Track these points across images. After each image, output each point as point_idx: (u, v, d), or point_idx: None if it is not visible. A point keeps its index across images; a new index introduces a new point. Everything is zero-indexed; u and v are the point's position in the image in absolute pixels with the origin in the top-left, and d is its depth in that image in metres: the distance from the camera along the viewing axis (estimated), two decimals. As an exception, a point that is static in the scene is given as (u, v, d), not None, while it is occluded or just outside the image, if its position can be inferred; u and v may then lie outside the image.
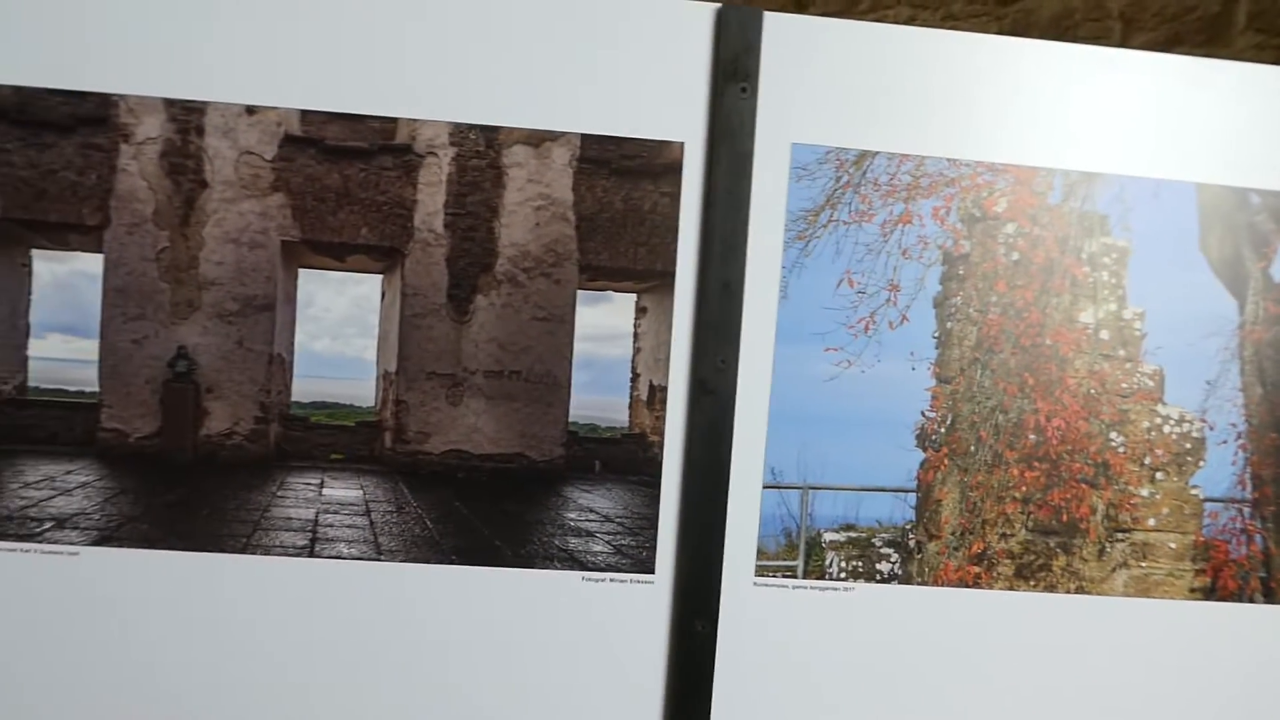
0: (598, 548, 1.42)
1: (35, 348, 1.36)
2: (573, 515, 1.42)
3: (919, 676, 1.48)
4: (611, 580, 1.43)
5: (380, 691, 1.41)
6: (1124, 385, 1.47)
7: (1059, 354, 1.46)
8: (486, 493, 1.41)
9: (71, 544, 1.36)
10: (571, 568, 1.42)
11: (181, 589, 1.38)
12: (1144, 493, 1.48)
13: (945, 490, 1.46)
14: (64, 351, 1.36)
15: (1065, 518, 1.47)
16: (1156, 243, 1.45)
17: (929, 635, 1.47)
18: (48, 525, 1.36)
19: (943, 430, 1.45)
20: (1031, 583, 1.48)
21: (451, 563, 1.40)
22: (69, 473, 1.37)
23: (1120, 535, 1.48)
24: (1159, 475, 1.48)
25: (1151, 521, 1.48)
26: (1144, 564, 1.48)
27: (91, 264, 1.35)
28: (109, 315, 1.36)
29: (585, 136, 1.39)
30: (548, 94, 1.39)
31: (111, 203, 1.35)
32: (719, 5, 1.40)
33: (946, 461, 1.46)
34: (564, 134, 1.39)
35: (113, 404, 1.37)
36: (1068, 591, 1.48)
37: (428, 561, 1.40)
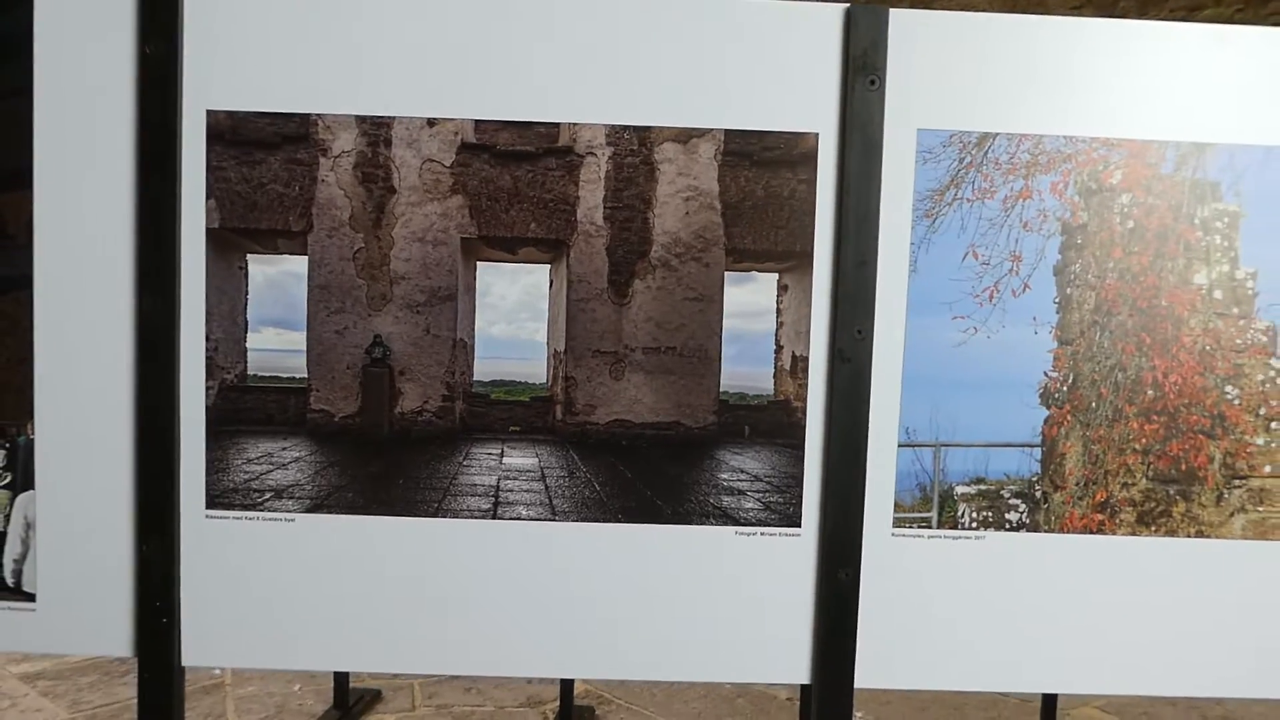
0: (749, 504, 1.57)
1: (252, 340, 1.55)
2: (725, 476, 1.57)
3: (1046, 618, 1.60)
4: (761, 534, 1.57)
5: (555, 637, 1.58)
6: (1238, 341, 1.56)
7: (1174, 314, 1.56)
8: (647, 457, 1.56)
9: (288, 511, 1.55)
10: (725, 523, 1.56)
11: (383, 549, 1.56)
12: (1259, 441, 1.57)
13: (1069, 444, 1.57)
14: (277, 343, 1.54)
15: (1184, 467, 1.57)
16: (1267, 206, 1.55)
17: (1056, 579, 1.59)
18: (268, 495, 1.55)
19: (1065, 388, 1.57)
20: (1152, 528, 1.58)
21: (618, 521, 1.56)
22: (284, 449, 1.56)
23: (1237, 482, 1.58)
24: (1274, 424, 1.57)
25: (1268, 468, 1.58)
26: (1261, 508, 1.58)
27: (298, 265, 1.54)
28: (314, 309, 1.54)
29: (728, 131, 1.53)
30: (693, 94, 1.53)
31: (313, 210, 1.53)
32: (848, 5, 1.52)
33: (1069, 417, 1.57)
34: (709, 130, 1.53)
35: (319, 388, 1.55)
36: (1187, 536, 1.58)
37: (597, 520, 1.56)
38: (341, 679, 3.23)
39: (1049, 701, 2.38)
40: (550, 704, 3.40)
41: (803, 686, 2.63)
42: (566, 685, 3.05)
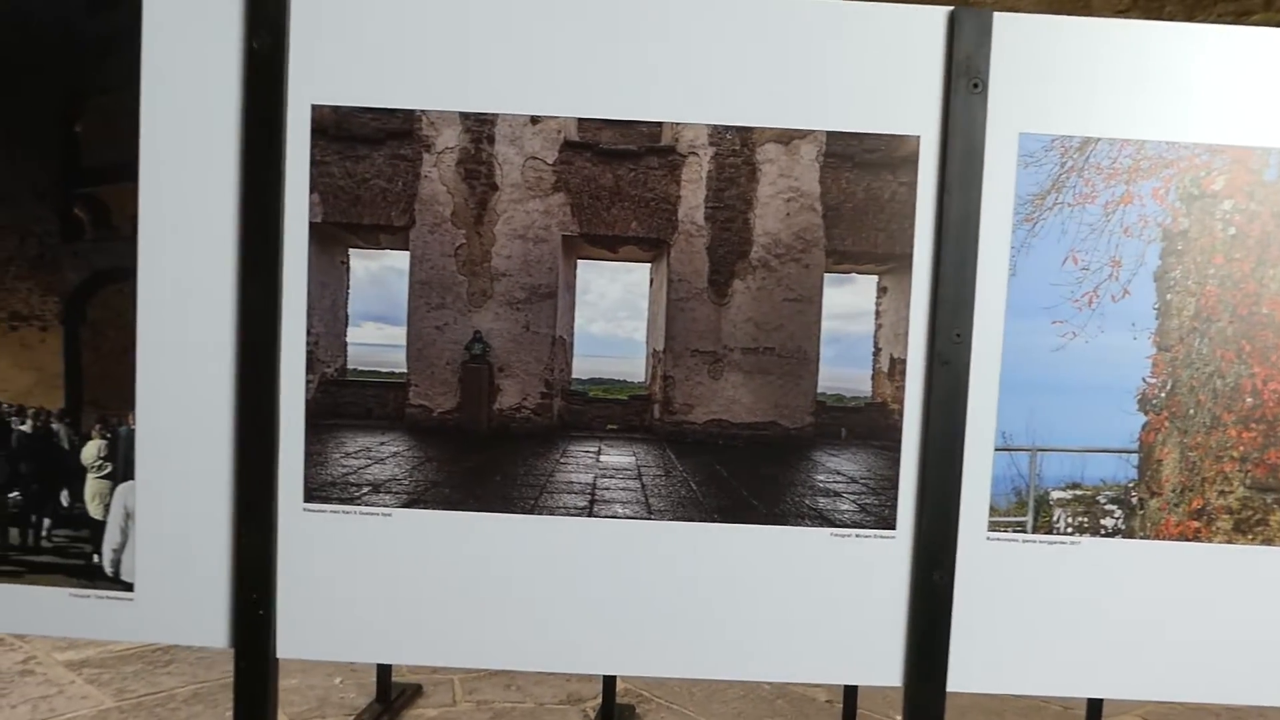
0: (844, 506, 1.57)
1: (353, 335, 1.55)
2: (821, 477, 1.57)
3: (1140, 625, 1.60)
4: (856, 536, 1.57)
5: (649, 636, 1.58)
6: (1340, 350, 1.56)
7: (1275, 321, 1.56)
8: (744, 457, 1.56)
9: (385, 506, 1.56)
10: (820, 524, 1.57)
11: (479, 545, 1.57)
12: (1360, 451, 1.57)
13: (1166, 450, 1.57)
14: (377, 338, 1.55)
15: (1282, 475, 1.57)
16: (1373, 215, 1.54)
17: (1151, 586, 1.59)
18: (365, 490, 1.56)
19: (1163, 395, 1.56)
20: (1249, 536, 1.58)
21: (713, 520, 1.56)
22: (382, 444, 1.57)
23: (1335, 491, 1.57)
24: (1375, 434, 1.57)
25: (1367, 478, 1.57)
26: (1359, 518, 1.58)
27: (399, 260, 1.54)
28: (415, 305, 1.55)
29: (830, 133, 1.53)
30: (796, 96, 1.53)
31: (416, 206, 1.54)
32: (951, 8, 1.52)
33: (1167, 424, 1.57)
34: (811, 131, 1.53)
35: (419, 383, 1.56)
36: (1283, 544, 1.58)
37: (692, 520, 1.57)
38: (384, 672, 3.25)
39: (1094, 706, 2.38)
40: (590, 701, 3.40)
41: (845, 689, 2.63)
42: (609, 683, 3.06)
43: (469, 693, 3.49)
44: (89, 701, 3.41)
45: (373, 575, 1.58)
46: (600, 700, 3.26)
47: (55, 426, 1.57)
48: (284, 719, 3.08)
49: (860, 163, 1.54)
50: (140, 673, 3.65)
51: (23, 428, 1.57)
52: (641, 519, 1.56)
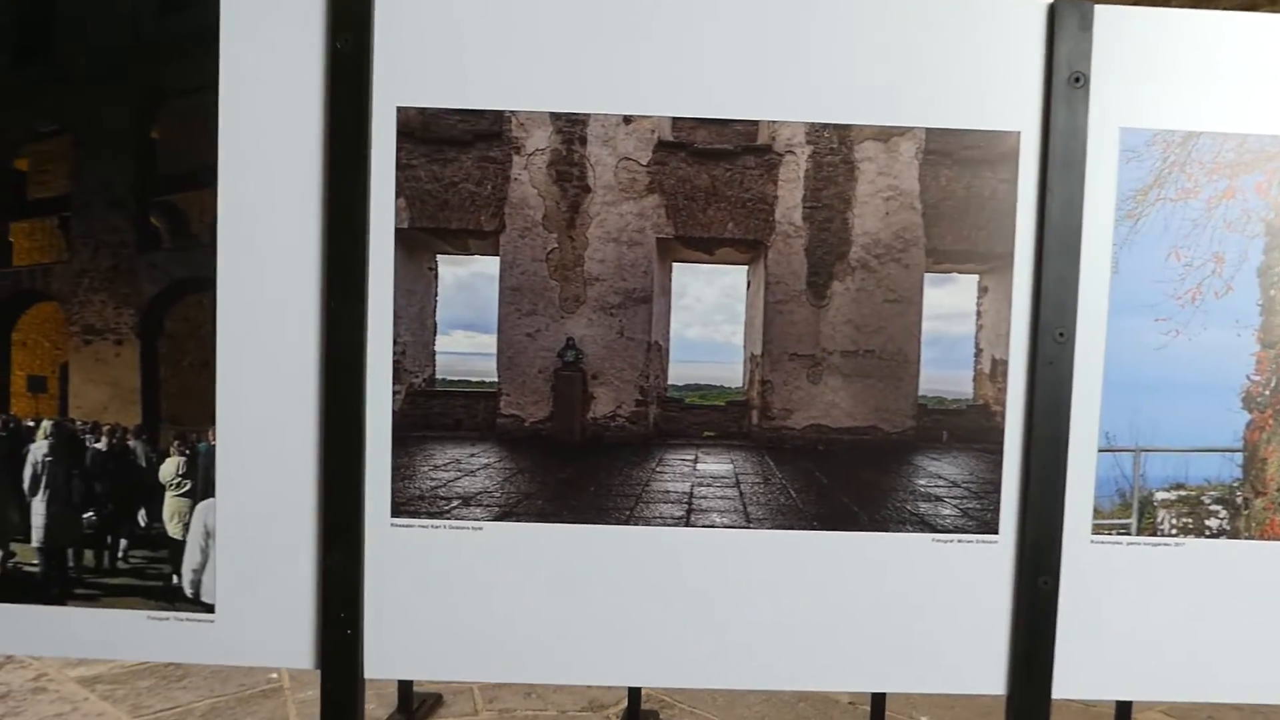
0: (946, 511, 1.53)
1: (441, 343, 1.51)
2: (923, 482, 1.53)
3: (1246, 627, 1.57)
4: (959, 541, 1.54)
5: (750, 646, 1.54)
6: None
7: (1380, 317, 1.53)
8: (844, 463, 1.52)
9: (475, 519, 1.51)
10: (922, 530, 1.53)
11: (573, 558, 1.52)
12: None
13: (1271, 449, 1.54)
14: (466, 346, 1.50)
15: (1389, 472, 1.55)
16: None
17: (1258, 587, 1.56)
18: (455, 503, 1.51)
19: (1267, 392, 1.54)
20: (1356, 535, 1.56)
21: (813, 528, 1.53)
22: (472, 455, 1.52)
23: None
24: None
25: None
26: None
27: (489, 266, 1.50)
28: (505, 312, 1.50)
29: (929, 130, 1.50)
30: (894, 92, 1.50)
31: (505, 210, 1.49)
32: (1051, 1, 1.49)
33: (1271, 422, 1.54)
34: (910, 129, 1.50)
35: (510, 392, 1.51)
36: (1389, 542, 1.56)
37: (792, 528, 1.53)
38: (405, 682, 3.20)
39: (1123, 705, 2.34)
40: (613, 708, 3.37)
41: (873, 696, 2.60)
42: (633, 689, 3.02)
43: (489, 701, 3.44)
44: (105, 718, 3.35)
45: (463, 591, 1.53)
46: (624, 705, 3.22)
47: (132, 444, 1.51)
48: (301, 730, 3.03)
49: (960, 160, 1.50)
50: (155, 688, 3.59)
51: (98, 445, 1.52)
52: (740, 528, 1.52)
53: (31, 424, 1.51)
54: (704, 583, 1.53)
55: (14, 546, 1.53)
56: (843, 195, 1.50)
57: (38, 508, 1.52)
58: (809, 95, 1.49)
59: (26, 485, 1.52)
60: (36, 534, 1.53)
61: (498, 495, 1.51)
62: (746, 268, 1.51)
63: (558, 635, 1.53)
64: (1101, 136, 1.50)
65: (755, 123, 1.49)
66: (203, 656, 1.54)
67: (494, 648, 1.54)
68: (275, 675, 3.62)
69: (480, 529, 1.51)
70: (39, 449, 1.51)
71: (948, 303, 1.52)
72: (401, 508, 1.51)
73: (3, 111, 1.47)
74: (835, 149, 1.49)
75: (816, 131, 1.49)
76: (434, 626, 1.54)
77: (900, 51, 1.49)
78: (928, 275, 1.51)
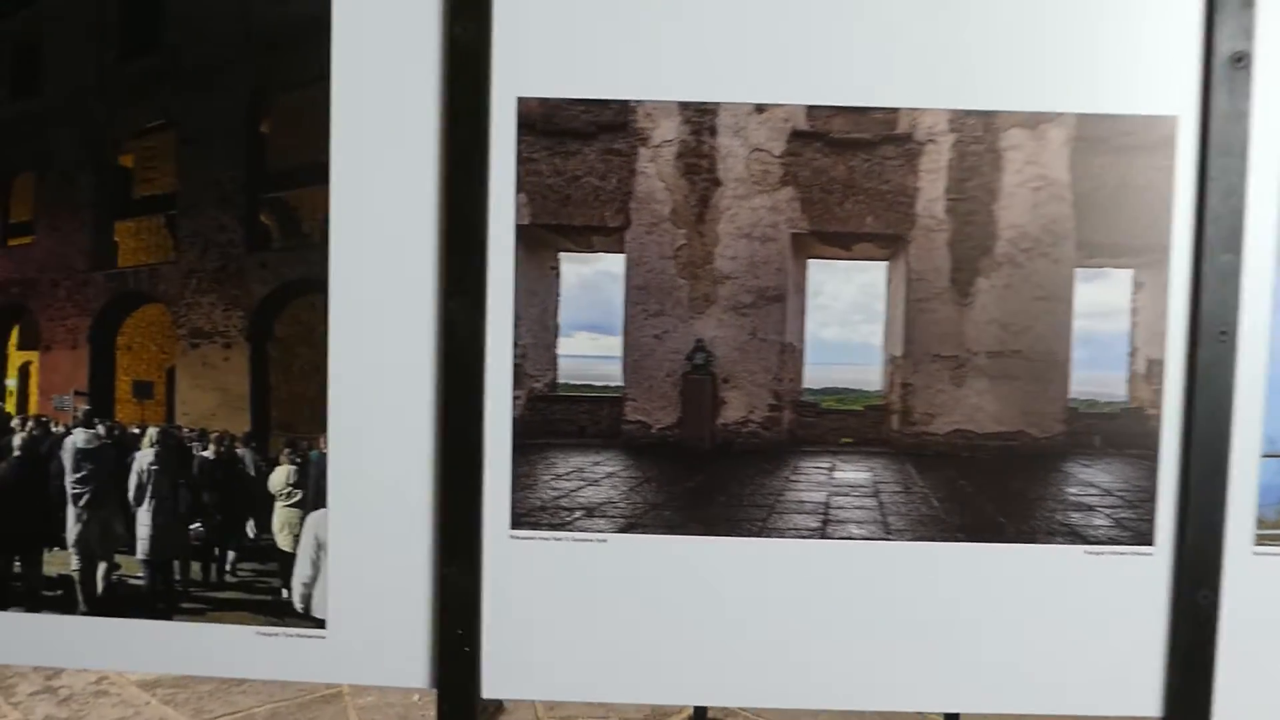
0: (1098, 521, 1.44)
1: (564, 346, 1.43)
2: (1073, 490, 1.44)
3: None
4: (1112, 553, 1.44)
5: (890, 665, 1.45)
6: None
7: None
8: (990, 470, 1.43)
9: (599, 531, 1.44)
10: (1072, 541, 1.44)
11: (702, 571, 1.44)
12: None
13: None
14: (590, 348, 1.43)
15: None
16: None
17: None
18: (578, 514, 1.43)
19: None
20: None
21: (956, 539, 1.44)
22: (596, 463, 1.44)
23: None
24: None
25: None
26: None
27: (614, 264, 1.42)
28: (631, 312, 1.42)
29: (1080, 116, 1.41)
30: (1042, 76, 1.41)
31: (631, 205, 1.41)
32: (1212, -23, 1.39)
33: None
34: (1059, 114, 1.41)
35: (636, 397, 1.43)
36: None
37: (934, 540, 1.44)
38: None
39: None
40: (675, 717, 3.30)
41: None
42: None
43: (550, 708, 3.38)
44: None
45: (586, 606, 1.45)
46: (688, 714, 3.15)
47: (240, 452, 1.45)
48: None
49: (1113, 147, 1.41)
50: (215, 692, 3.56)
51: (205, 454, 1.45)
52: (879, 539, 1.43)
53: (137, 431, 1.45)
54: (840, 597, 1.45)
55: (119, 559, 1.47)
56: (988, 186, 1.41)
57: (143, 518, 1.46)
58: (952, 80, 1.40)
59: (131, 495, 1.46)
60: (142, 546, 1.46)
61: (623, 506, 1.43)
62: (886, 264, 1.43)
63: (685, 653, 1.45)
64: (1265, 119, 1.41)
65: (895, 110, 1.40)
66: (313, 674, 1.47)
67: (617, 667, 1.46)
68: (334, 680, 3.58)
69: (604, 541, 1.44)
70: (144, 457, 1.45)
71: (1100, 299, 1.43)
72: (522, 519, 1.43)
73: (108, 106, 1.41)
74: (980, 137, 1.41)
75: (960, 119, 1.40)
76: (554, 644, 1.46)
77: (1048, 32, 1.40)
78: (1078, 270, 1.42)
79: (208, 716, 3.43)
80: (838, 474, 1.44)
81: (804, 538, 1.43)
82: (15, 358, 1.46)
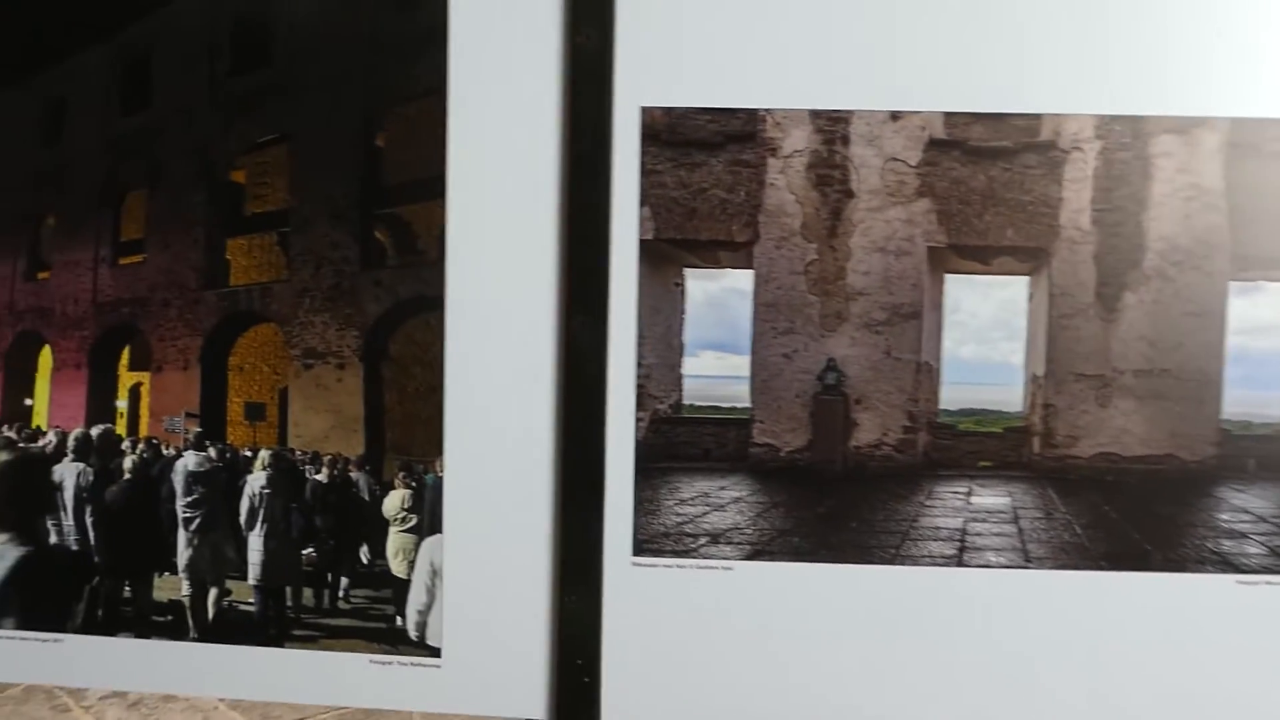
0: (1251, 549, 1.36)
1: (689, 365, 1.38)
2: (1225, 516, 1.37)
3: None
4: (1267, 583, 1.36)
5: (1028, 698, 1.38)
6: None
7: None
8: (1136, 496, 1.36)
9: (725, 558, 1.38)
10: (1224, 570, 1.36)
11: (832, 600, 1.38)
12: None
13: None
14: (716, 368, 1.37)
15: None
16: None
17: None
18: (703, 540, 1.38)
19: None
20: None
21: (1100, 569, 1.37)
22: (722, 488, 1.39)
23: None
24: None
25: None
26: None
27: (742, 280, 1.37)
28: (760, 330, 1.37)
29: (1234, 120, 1.33)
30: (1193, 78, 1.33)
31: (760, 218, 1.36)
32: (1379, -29, 1.31)
33: None
34: (1211, 119, 1.33)
35: (764, 419, 1.38)
36: None
37: (1076, 568, 1.37)
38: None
39: None
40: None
41: None
42: None
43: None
44: None
45: (711, 635, 1.40)
46: None
47: (354, 475, 1.41)
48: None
49: (1269, 153, 1.33)
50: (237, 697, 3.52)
51: (318, 477, 1.41)
52: (1019, 568, 1.36)
53: (249, 454, 1.41)
54: (977, 628, 1.38)
55: (230, 584, 1.44)
56: (1136, 195, 1.34)
57: (255, 543, 1.43)
58: (1098, 84, 1.33)
59: (243, 519, 1.42)
60: (253, 571, 1.43)
61: (749, 532, 1.37)
62: (1028, 278, 1.36)
63: (812, 685, 1.40)
64: None
65: (1038, 116, 1.33)
66: (428, 704, 1.43)
67: (741, 698, 1.40)
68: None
69: (730, 568, 1.38)
70: (256, 480, 1.42)
71: (1255, 315, 1.35)
72: (644, 545, 1.38)
73: (219, 120, 1.37)
74: (1128, 144, 1.33)
75: (1107, 125, 1.33)
76: (676, 674, 1.41)
77: (1200, 32, 1.32)
78: (1232, 284, 1.35)
79: (275, 720, 3.42)
80: (975, 499, 1.37)
81: (939, 566, 1.37)
82: (126, 378, 1.43)
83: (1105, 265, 1.35)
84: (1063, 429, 1.36)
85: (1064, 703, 1.38)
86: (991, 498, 1.37)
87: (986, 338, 1.36)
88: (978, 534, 1.37)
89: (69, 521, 1.43)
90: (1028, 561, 1.37)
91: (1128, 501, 1.37)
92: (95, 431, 1.42)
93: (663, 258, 1.36)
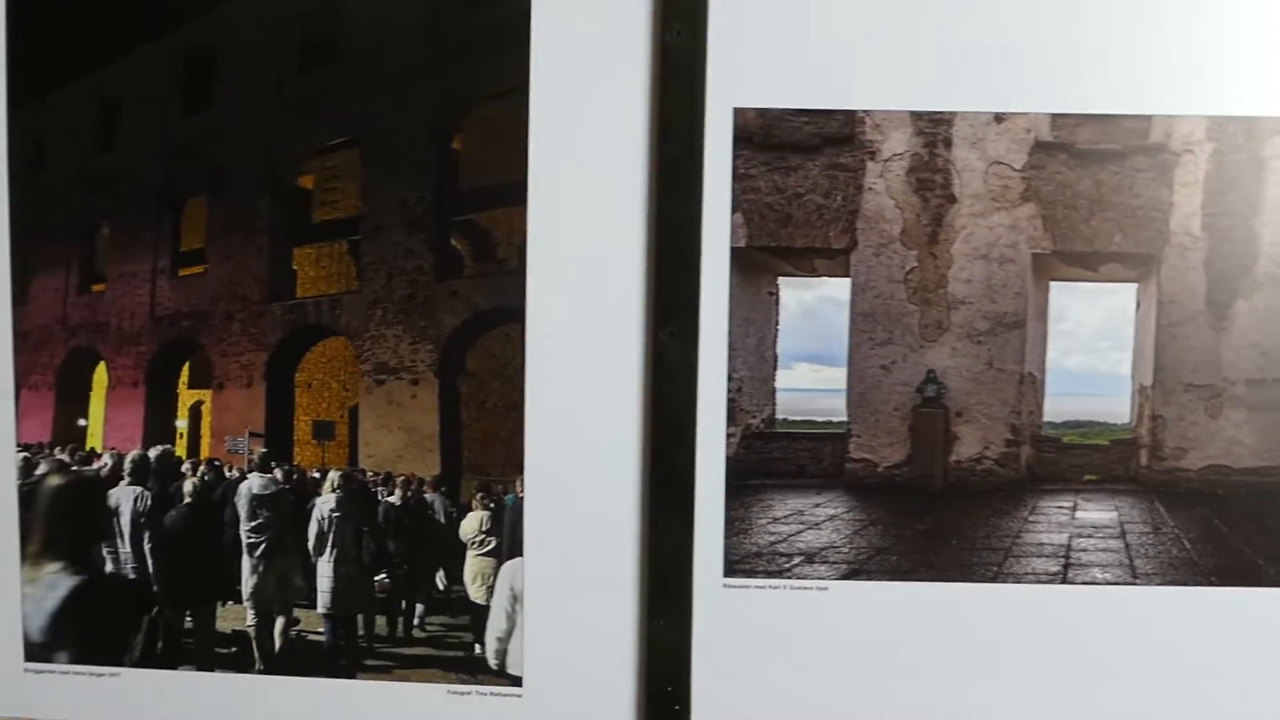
0: (1364, 563, 1.32)
1: (783, 379, 1.32)
2: (1337, 529, 1.32)
3: None
4: (1380, 598, 1.32)
5: (1138, 716, 1.34)
6: None
7: None
8: (1247, 509, 1.32)
9: (820, 578, 1.32)
10: (1336, 585, 1.32)
11: (932, 621, 1.33)
12: None
13: None
14: (811, 381, 1.31)
15: None
16: None
17: None
18: (797, 560, 1.32)
19: None
20: None
21: (1210, 584, 1.32)
22: (817, 505, 1.33)
23: None
24: None
25: None
26: None
27: (839, 289, 1.30)
28: (857, 341, 1.31)
29: (1350, 120, 1.28)
30: (1308, 77, 1.28)
31: (858, 224, 1.30)
32: None
33: None
34: (1325, 119, 1.28)
35: (861, 433, 1.32)
36: None
37: (1185, 584, 1.32)
38: None
39: None
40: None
41: None
42: None
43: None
44: None
45: (804, 658, 1.34)
46: None
47: (429, 497, 1.34)
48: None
49: (1385, 155, 1.28)
50: None
51: (391, 499, 1.34)
52: (1125, 584, 1.31)
53: (317, 475, 1.34)
54: (1083, 646, 1.33)
55: (298, 613, 1.36)
56: (1249, 199, 1.29)
57: (324, 569, 1.35)
58: (1210, 84, 1.28)
59: (312, 544, 1.35)
60: (323, 599, 1.36)
61: (846, 551, 1.32)
62: (1136, 285, 1.31)
63: (913, 708, 1.34)
64: None
65: (1148, 118, 1.28)
66: (508, 735, 1.36)
67: (839, 716, 1.35)
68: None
69: (825, 589, 1.32)
70: (325, 504, 1.34)
71: (1369, 322, 1.30)
72: (735, 566, 1.32)
73: (286, 122, 1.30)
74: (1240, 146, 1.28)
75: (1219, 126, 1.28)
76: (768, 700, 1.35)
77: (1313, 30, 1.28)
78: (1347, 290, 1.30)
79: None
80: (1080, 514, 1.32)
81: (1043, 583, 1.31)
82: (186, 397, 1.35)
83: (1216, 271, 1.30)
84: (1171, 440, 1.31)
85: (1169, 717, 1.33)
86: (1097, 512, 1.32)
87: (1093, 347, 1.31)
88: (1083, 550, 1.32)
89: (126, 549, 1.35)
90: (1135, 578, 1.32)
91: (1238, 515, 1.32)
92: (154, 453, 1.34)
93: (756, 266, 1.30)
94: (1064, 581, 1.32)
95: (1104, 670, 1.33)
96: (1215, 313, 1.31)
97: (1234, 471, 1.32)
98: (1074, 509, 1.32)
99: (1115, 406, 1.31)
